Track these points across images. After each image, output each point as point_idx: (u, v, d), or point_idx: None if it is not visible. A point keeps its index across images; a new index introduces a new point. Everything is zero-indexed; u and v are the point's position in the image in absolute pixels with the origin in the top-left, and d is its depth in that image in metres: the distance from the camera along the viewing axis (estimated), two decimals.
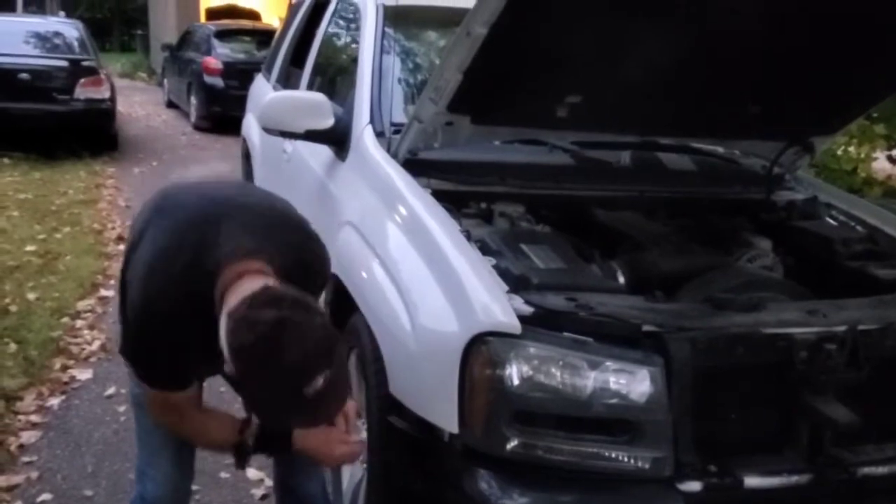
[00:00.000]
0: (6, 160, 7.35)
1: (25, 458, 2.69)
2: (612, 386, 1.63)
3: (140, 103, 12.29)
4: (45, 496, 2.47)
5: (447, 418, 1.67)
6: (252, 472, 2.58)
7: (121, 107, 10.31)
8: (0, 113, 7.38)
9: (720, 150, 2.80)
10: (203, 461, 2.69)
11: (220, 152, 8.40)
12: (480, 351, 1.63)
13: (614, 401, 1.63)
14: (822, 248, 2.34)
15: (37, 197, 6.26)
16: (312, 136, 2.67)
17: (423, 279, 1.87)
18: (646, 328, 1.67)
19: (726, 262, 2.15)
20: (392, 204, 2.19)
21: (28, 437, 2.81)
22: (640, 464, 1.63)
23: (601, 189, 2.47)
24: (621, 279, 2.00)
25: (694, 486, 1.66)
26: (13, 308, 3.92)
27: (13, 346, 3.48)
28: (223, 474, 2.62)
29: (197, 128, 10.09)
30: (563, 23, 1.95)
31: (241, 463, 1.65)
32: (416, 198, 2.12)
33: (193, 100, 10.34)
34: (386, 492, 1.88)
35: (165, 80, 12.65)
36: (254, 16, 14.36)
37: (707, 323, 1.73)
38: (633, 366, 1.64)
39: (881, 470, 1.79)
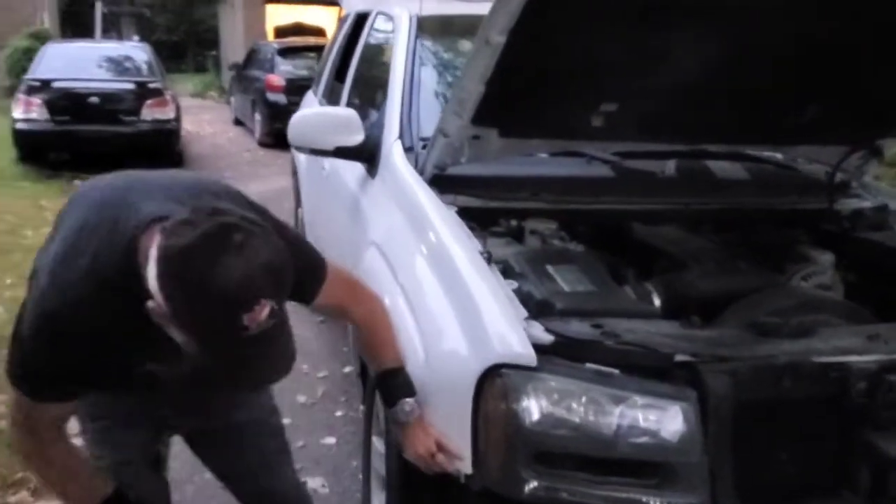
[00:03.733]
0: (77, 182, 7.57)
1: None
2: (641, 423, 1.48)
3: (209, 121, 12.59)
4: None
5: (464, 460, 1.55)
6: None
7: (190, 125, 10.61)
8: (71, 135, 7.67)
9: (777, 156, 2.60)
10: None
11: (280, 168, 8.46)
12: (494, 384, 1.50)
13: (643, 440, 1.48)
14: (890, 263, 2.13)
15: None
16: (342, 153, 2.59)
17: (440, 306, 1.75)
18: (678, 358, 1.51)
19: (776, 281, 1.97)
20: (416, 224, 2.08)
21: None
22: None
23: (643, 202, 2.31)
24: (656, 302, 1.84)
25: None
26: None
27: None
28: None
29: (261, 144, 10.23)
30: (590, 26, 1.82)
31: None
32: (438, 217, 2.01)
33: (257, 116, 10.52)
34: None
35: (232, 99, 12.93)
36: (319, 32, 14.57)
37: (749, 352, 1.56)
38: (664, 401, 1.48)
39: None
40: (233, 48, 17.60)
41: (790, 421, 1.57)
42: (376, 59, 3.45)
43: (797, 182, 2.53)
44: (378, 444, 2.22)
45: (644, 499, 1.48)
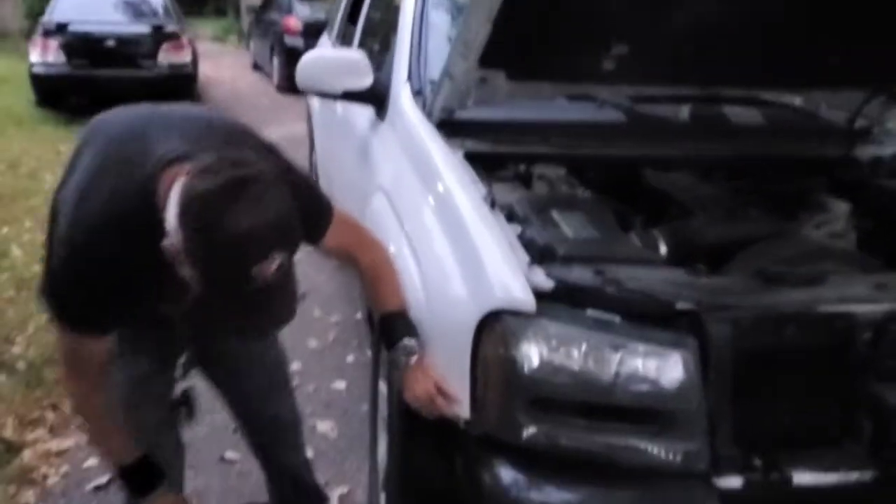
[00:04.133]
0: None
1: (77, 423, 2.74)
2: (640, 370, 1.46)
3: (228, 66, 12.49)
4: (91, 461, 2.51)
5: (463, 404, 1.55)
6: None
7: (209, 70, 10.54)
8: (87, 79, 7.66)
9: (795, 101, 2.53)
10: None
11: (298, 114, 8.36)
12: (494, 329, 1.49)
13: (642, 387, 1.46)
14: None
15: None
16: (350, 96, 2.55)
17: (444, 252, 1.74)
18: (680, 306, 1.49)
19: (786, 229, 1.92)
20: (422, 168, 2.06)
21: None
22: (670, 456, 1.47)
23: (654, 148, 2.25)
24: (662, 250, 1.81)
25: (733, 481, 1.49)
26: None
27: None
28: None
29: (279, 89, 10.15)
30: None
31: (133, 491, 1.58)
32: (444, 162, 1.97)
33: (275, 61, 10.42)
34: (404, 478, 1.78)
35: (251, 43, 12.80)
36: None
37: (753, 300, 1.54)
38: (664, 348, 1.47)
39: None
40: None
41: (793, 370, 1.55)
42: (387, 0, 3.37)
43: (816, 128, 2.46)
44: (384, 388, 2.24)
45: (642, 445, 1.48)
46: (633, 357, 1.47)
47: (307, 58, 2.58)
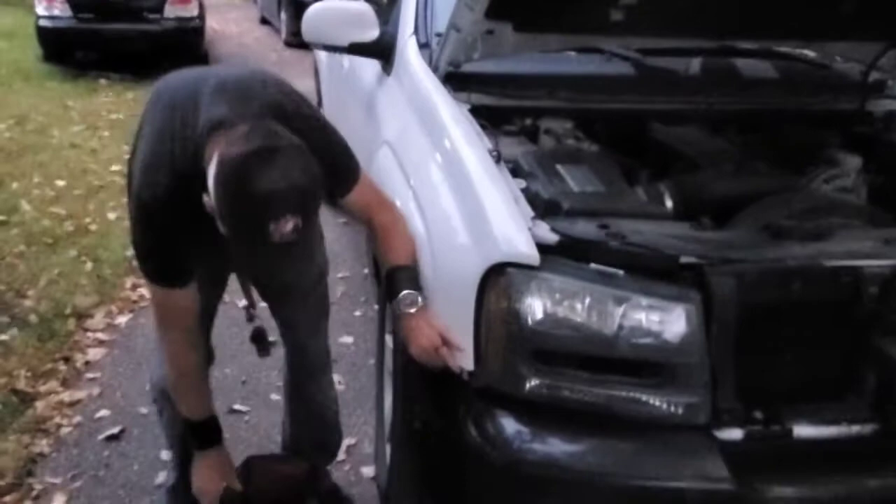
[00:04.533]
0: (103, 81, 7.55)
1: (90, 375, 2.79)
2: (643, 324, 1.46)
3: (235, 20, 12.34)
4: (104, 412, 2.56)
5: (464, 354, 1.56)
6: None
7: (215, 24, 10.44)
8: (94, 34, 7.59)
9: (809, 54, 2.48)
10: (256, 381, 2.75)
11: (306, 69, 8.28)
12: (497, 282, 1.50)
13: (644, 340, 1.47)
14: None
15: (128, 117, 6.40)
16: (357, 49, 2.53)
17: (449, 206, 1.73)
18: (684, 260, 1.48)
19: (795, 183, 1.90)
20: (427, 122, 2.04)
21: (94, 354, 2.92)
22: (671, 409, 1.48)
23: (664, 102, 2.23)
24: (668, 204, 1.80)
25: (734, 433, 1.50)
26: (93, 227, 4.05)
27: (89, 265, 3.60)
28: (274, 396, 2.63)
29: (287, 44, 10.04)
30: None
31: (193, 440, 1.75)
32: (449, 115, 1.96)
33: (283, 15, 10.28)
34: (408, 430, 1.80)
35: None
36: None
37: (758, 254, 1.53)
38: (668, 302, 1.46)
39: None
40: None
41: (797, 325, 1.55)
42: None
43: (829, 81, 2.42)
44: (390, 341, 2.25)
45: (644, 397, 1.49)
46: (636, 310, 1.47)
47: (313, 9, 2.55)
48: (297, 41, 9.81)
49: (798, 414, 1.53)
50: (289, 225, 1.30)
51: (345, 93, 3.25)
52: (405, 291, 1.64)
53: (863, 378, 1.57)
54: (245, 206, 1.31)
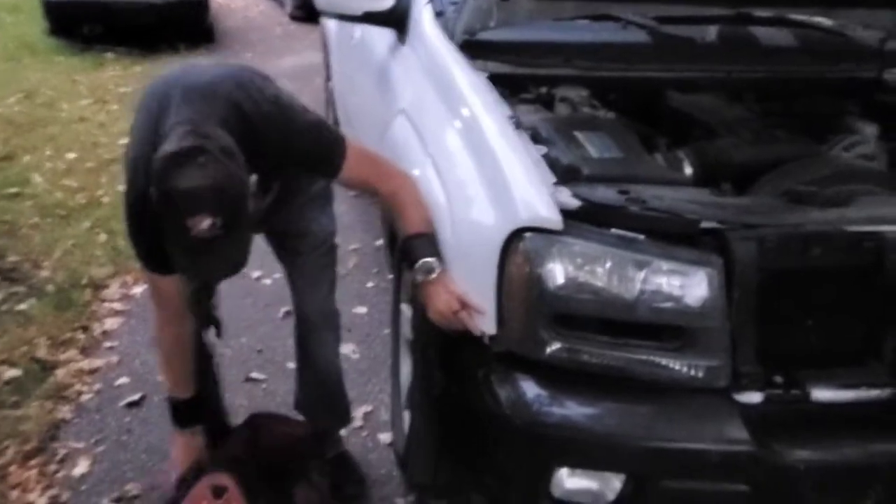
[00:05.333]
0: (109, 55, 7.52)
1: (108, 344, 2.82)
2: (664, 288, 1.48)
3: None
4: (123, 380, 2.58)
5: (485, 318, 1.57)
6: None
7: None
8: (101, 8, 7.55)
9: (827, 21, 2.46)
10: (272, 350, 2.77)
11: (312, 43, 8.24)
12: (519, 247, 1.51)
13: (665, 304, 1.48)
14: None
15: (136, 91, 6.39)
16: (371, 17, 2.50)
17: (469, 172, 1.73)
18: (705, 224, 1.49)
19: (815, 150, 1.90)
20: (445, 90, 2.04)
21: (111, 323, 2.94)
22: (692, 372, 1.49)
23: (681, 70, 2.21)
24: (688, 170, 1.80)
25: (753, 397, 1.51)
26: (106, 199, 4.07)
27: (103, 237, 3.62)
28: (290, 364, 2.66)
29: (293, 17, 9.96)
30: None
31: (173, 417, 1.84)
32: (467, 83, 1.96)
33: None
34: (426, 394, 1.82)
35: None
36: None
37: (779, 219, 1.53)
38: (688, 266, 1.47)
39: None
40: None
41: (818, 290, 1.56)
42: None
43: (848, 49, 2.39)
44: (406, 310, 2.27)
45: (664, 361, 1.50)
46: (657, 275, 1.48)
47: None
48: (301, 14, 9.76)
49: (817, 378, 1.54)
50: (205, 222, 1.38)
51: (356, 64, 3.24)
52: (423, 259, 1.65)
53: (883, 343, 1.57)
54: (166, 201, 1.40)
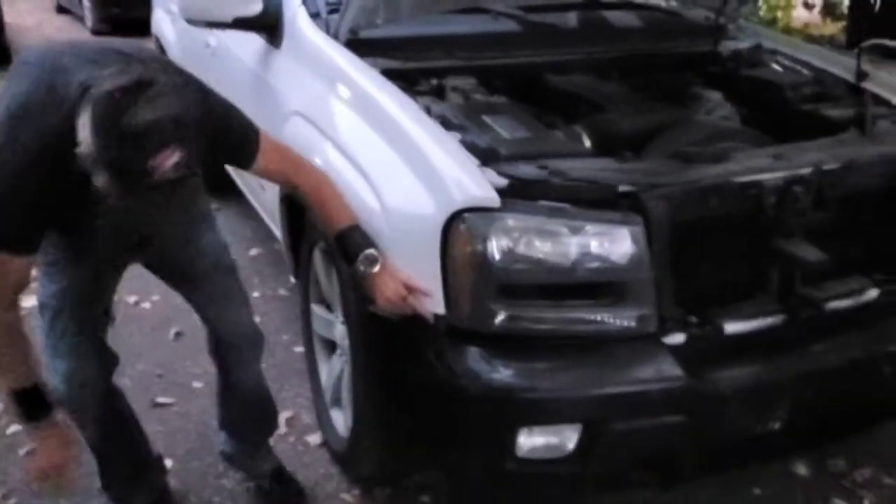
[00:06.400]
0: None
1: None
2: (595, 249, 1.62)
3: (28, 11, 11.32)
4: (15, 427, 2.39)
5: (432, 300, 1.64)
6: None
7: (7, 17, 9.53)
8: None
9: (662, 3, 2.74)
10: (173, 373, 2.67)
11: None
12: (460, 228, 1.59)
13: (597, 264, 1.62)
14: (772, 95, 2.34)
15: None
16: (242, 23, 2.48)
17: (387, 159, 1.79)
18: (622, 188, 1.65)
19: (687, 116, 2.13)
20: (343, 86, 2.08)
21: None
22: (625, 323, 1.64)
23: (551, 54, 2.39)
24: (587, 143, 1.96)
25: (678, 338, 1.69)
26: None
27: None
28: (196, 384, 2.58)
29: (96, 32, 9.38)
30: None
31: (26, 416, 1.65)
32: (366, 77, 2.01)
33: (86, 2, 9.59)
34: (371, 381, 1.87)
35: None
36: None
37: (679, 178, 1.72)
38: (614, 227, 1.62)
39: (846, 303, 1.84)
40: None
41: (716, 236, 1.76)
42: None
43: (684, 27, 2.68)
44: (319, 310, 2.29)
45: (600, 316, 1.64)
46: (587, 238, 1.61)
47: None
48: (106, 28, 9.23)
49: (725, 314, 1.74)
50: (172, 158, 1.28)
51: (216, 73, 3.16)
52: (365, 252, 1.69)
53: (768, 276, 1.81)
54: (125, 140, 1.26)
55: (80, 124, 1.30)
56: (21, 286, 1.55)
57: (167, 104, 1.28)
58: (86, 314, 1.78)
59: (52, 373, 1.75)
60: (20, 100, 1.45)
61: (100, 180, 1.32)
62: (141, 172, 1.29)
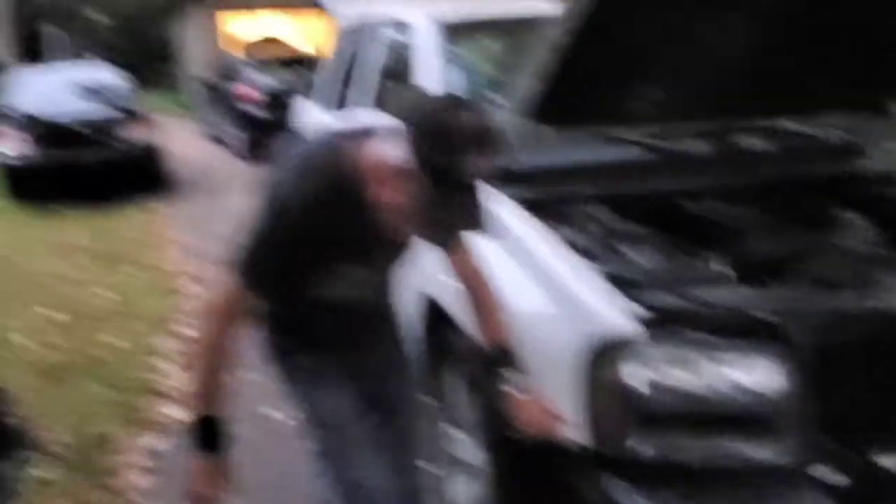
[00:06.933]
0: (67, 211, 7.52)
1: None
2: (739, 380, 1.61)
3: (181, 139, 12.46)
4: None
5: (574, 429, 1.67)
6: None
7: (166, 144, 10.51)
8: (56, 164, 7.63)
9: (795, 127, 2.75)
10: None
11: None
12: (605, 360, 1.63)
13: (742, 395, 1.61)
14: None
15: (99, 243, 6.40)
16: None
17: (528, 291, 1.87)
18: (765, 317, 1.65)
19: (826, 241, 2.11)
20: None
21: (141, 482, 2.86)
22: (772, 455, 1.61)
23: (687, 181, 2.44)
24: (727, 270, 1.97)
25: (826, 470, 1.63)
26: (94, 353, 4.01)
27: (106, 392, 3.55)
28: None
29: (243, 159, 10.17)
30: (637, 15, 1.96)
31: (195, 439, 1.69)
32: (505, 208, 2.12)
33: (231, 130, 10.47)
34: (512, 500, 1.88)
35: (203, 114, 12.84)
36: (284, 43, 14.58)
37: (824, 305, 1.71)
38: (758, 357, 1.62)
39: None
40: (192, 61, 17.47)
41: (866, 365, 1.71)
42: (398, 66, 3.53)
43: (818, 149, 2.68)
44: (453, 432, 2.33)
45: (745, 447, 1.62)
46: (731, 369, 1.61)
47: None
48: (247, 155, 9.90)
49: (879, 445, 1.66)
50: (488, 160, 1.43)
51: None
52: (512, 372, 1.74)
53: None
54: (454, 141, 1.40)
55: (384, 153, 1.50)
56: (239, 318, 1.68)
57: (481, 118, 1.46)
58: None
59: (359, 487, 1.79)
60: (298, 171, 1.66)
61: (404, 194, 1.47)
62: (460, 172, 1.41)
